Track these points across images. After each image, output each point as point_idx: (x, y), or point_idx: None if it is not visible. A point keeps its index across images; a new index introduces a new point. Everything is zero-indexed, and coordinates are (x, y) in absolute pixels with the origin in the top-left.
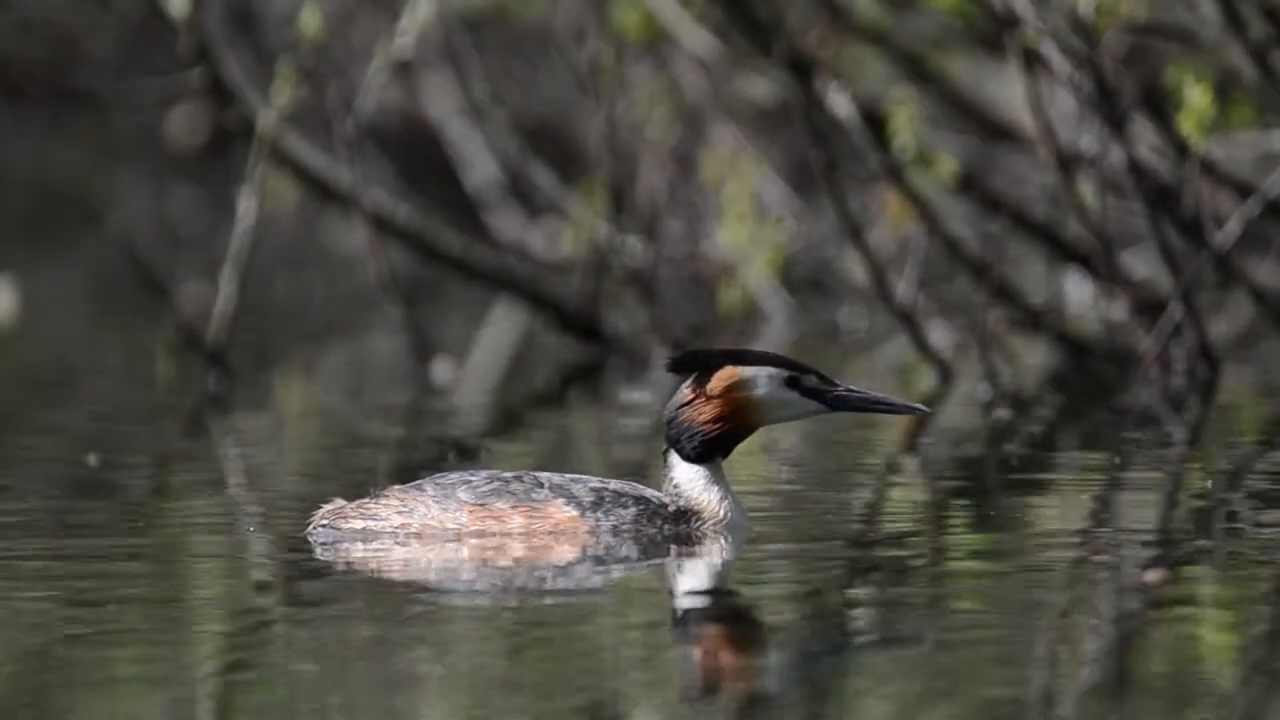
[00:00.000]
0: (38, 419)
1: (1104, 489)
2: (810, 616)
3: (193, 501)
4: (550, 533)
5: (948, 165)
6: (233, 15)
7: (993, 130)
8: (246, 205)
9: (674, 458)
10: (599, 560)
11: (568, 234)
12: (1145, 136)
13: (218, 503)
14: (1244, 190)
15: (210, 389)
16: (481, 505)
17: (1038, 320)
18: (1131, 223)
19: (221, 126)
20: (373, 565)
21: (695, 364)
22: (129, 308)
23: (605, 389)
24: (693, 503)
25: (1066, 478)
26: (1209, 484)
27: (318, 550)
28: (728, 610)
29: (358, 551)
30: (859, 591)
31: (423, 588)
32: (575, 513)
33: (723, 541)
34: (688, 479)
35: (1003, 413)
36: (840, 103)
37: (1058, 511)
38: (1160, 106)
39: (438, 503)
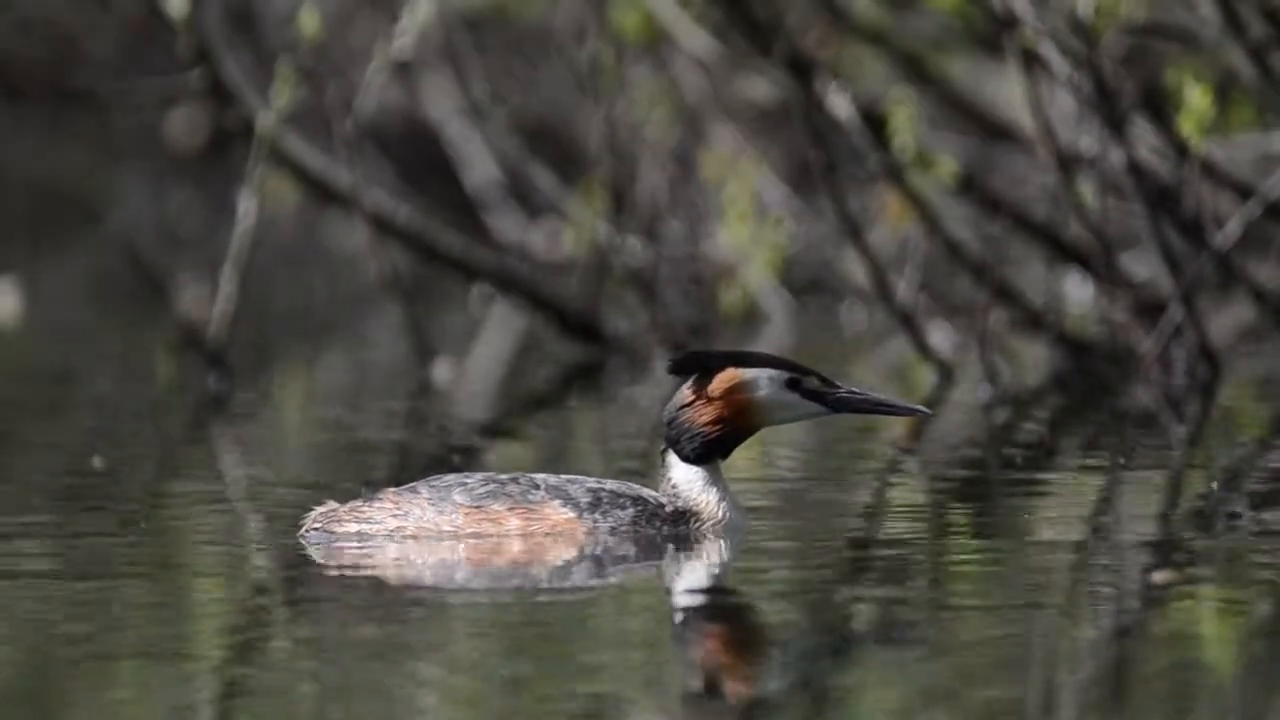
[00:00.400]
0: (40, 418)
1: (1104, 489)
2: (810, 617)
3: (193, 501)
4: (548, 534)
5: (947, 166)
6: (232, 15)
7: (992, 131)
8: (246, 205)
9: (672, 458)
10: (597, 561)
11: (568, 234)
12: (1145, 137)
13: (217, 505)
14: (1244, 191)
15: (210, 389)
16: (477, 507)
17: (1038, 321)
18: (1132, 223)
19: (221, 127)
20: (368, 568)
21: (696, 365)
22: (129, 308)
23: (605, 389)
24: (691, 503)
25: (1067, 478)
26: (1214, 485)
27: (310, 553)
28: (727, 611)
29: (351, 554)
30: (859, 591)
31: (419, 590)
32: (572, 514)
33: (721, 542)
34: (686, 480)
35: (1003, 413)
36: (840, 103)
37: (1058, 512)
38: (1160, 107)
39: (433, 505)
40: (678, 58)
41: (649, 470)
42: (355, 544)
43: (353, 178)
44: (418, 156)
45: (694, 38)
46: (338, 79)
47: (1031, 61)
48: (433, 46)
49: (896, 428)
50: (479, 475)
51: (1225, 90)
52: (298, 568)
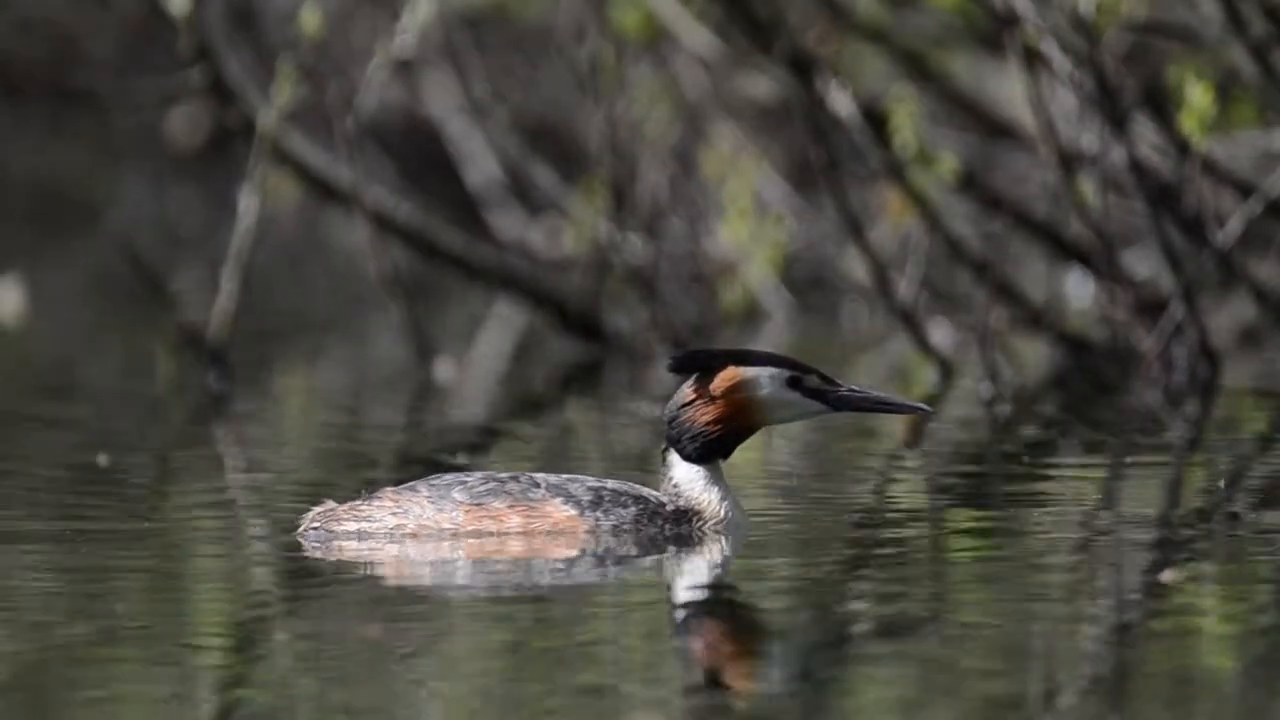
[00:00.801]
0: (41, 417)
1: (1105, 487)
2: (811, 614)
3: (193, 502)
4: (549, 532)
5: (948, 163)
6: (233, 14)
7: (993, 128)
8: (247, 204)
9: (673, 457)
10: (599, 559)
11: (568, 232)
12: (1146, 135)
13: (217, 503)
14: (1245, 189)
15: (211, 387)
16: (478, 505)
17: (1039, 319)
18: (1133, 221)
19: (222, 125)
20: (367, 567)
21: (697, 364)
22: (129, 307)
23: (606, 388)
24: (692, 502)
25: (1067, 476)
26: (1221, 483)
27: (309, 551)
28: (728, 608)
29: (350, 553)
30: (859, 588)
31: (420, 588)
32: (574, 512)
33: (722, 541)
34: (687, 479)
35: (1003, 411)
36: (841, 101)
37: (1058, 510)
38: (1161, 105)
39: (433, 503)
40: (678, 55)
41: (649, 470)
42: (355, 542)
43: (353, 176)
44: (418, 154)
45: (694, 35)
46: (339, 77)
47: (1033, 59)
48: (433, 44)
49: (897, 426)
50: (479, 474)
51: (1226, 88)
52: (297, 567)
